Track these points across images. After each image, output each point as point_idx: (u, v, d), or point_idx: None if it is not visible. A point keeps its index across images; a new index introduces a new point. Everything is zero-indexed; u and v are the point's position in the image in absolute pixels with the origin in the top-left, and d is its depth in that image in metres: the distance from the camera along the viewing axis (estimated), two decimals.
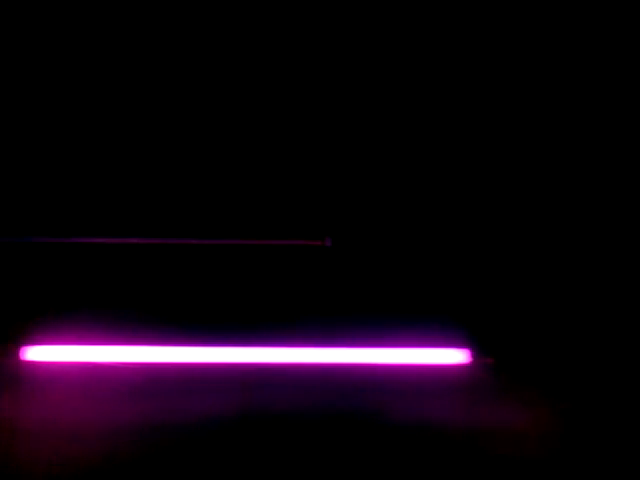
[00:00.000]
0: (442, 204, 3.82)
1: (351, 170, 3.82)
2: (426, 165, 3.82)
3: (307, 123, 3.82)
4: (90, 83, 3.79)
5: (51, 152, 3.78)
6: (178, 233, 3.77)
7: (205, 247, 3.75)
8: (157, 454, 3.41)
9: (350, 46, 3.81)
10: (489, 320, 3.73)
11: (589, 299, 3.75)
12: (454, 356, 3.63)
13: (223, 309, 3.70)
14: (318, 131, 3.82)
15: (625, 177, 3.80)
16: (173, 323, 3.67)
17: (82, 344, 3.61)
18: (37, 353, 3.60)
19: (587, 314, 3.73)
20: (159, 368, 3.60)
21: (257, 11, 3.80)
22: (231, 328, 3.66)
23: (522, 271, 3.78)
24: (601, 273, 3.77)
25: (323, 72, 3.81)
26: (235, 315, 3.70)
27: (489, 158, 3.82)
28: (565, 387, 3.64)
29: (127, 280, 3.74)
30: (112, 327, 3.64)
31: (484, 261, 3.79)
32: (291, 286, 3.74)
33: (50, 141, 3.78)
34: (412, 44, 3.81)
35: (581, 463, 3.42)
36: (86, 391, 3.58)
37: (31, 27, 3.77)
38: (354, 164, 3.81)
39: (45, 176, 3.77)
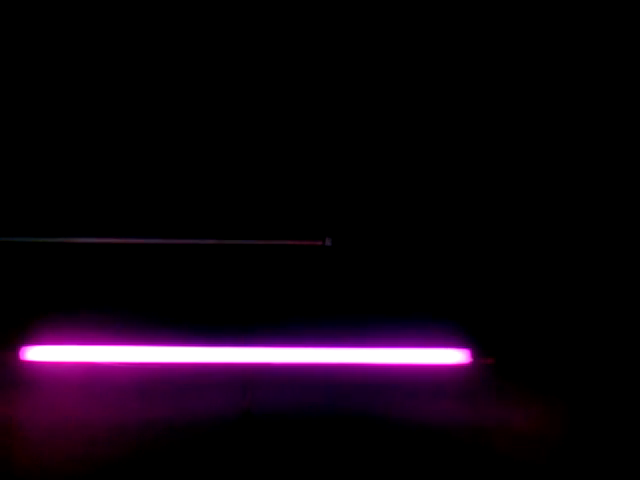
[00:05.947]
0: (442, 205, 3.82)
1: (351, 171, 3.82)
2: (426, 166, 3.82)
3: (307, 124, 3.82)
4: (90, 83, 3.79)
5: (51, 152, 3.78)
6: (178, 233, 3.77)
7: (205, 247, 3.75)
8: (157, 454, 3.41)
9: (350, 46, 3.81)
10: (489, 320, 3.73)
11: (589, 299, 3.75)
12: (454, 356, 3.63)
13: (223, 309, 3.70)
14: (318, 132, 3.82)
15: (625, 177, 3.81)
16: (174, 323, 3.67)
17: (82, 344, 3.61)
18: (37, 353, 3.60)
19: (587, 314, 3.73)
20: (159, 368, 3.60)
21: (257, 11, 3.80)
22: (231, 328, 3.66)
23: (522, 272, 3.79)
24: (601, 273, 3.77)
25: (323, 73, 3.82)
26: (235, 315, 3.70)
27: (489, 159, 3.82)
28: (565, 387, 3.64)
29: (127, 280, 3.74)
30: (112, 327, 3.64)
31: (484, 262, 3.79)
32: (291, 286, 3.74)
33: (50, 141, 3.78)
34: (412, 44, 3.82)
35: (581, 463, 3.42)
36: (86, 391, 3.58)
37: (31, 27, 3.77)
38: (354, 165, 3.82)
39: (45, 176, 3.77)
